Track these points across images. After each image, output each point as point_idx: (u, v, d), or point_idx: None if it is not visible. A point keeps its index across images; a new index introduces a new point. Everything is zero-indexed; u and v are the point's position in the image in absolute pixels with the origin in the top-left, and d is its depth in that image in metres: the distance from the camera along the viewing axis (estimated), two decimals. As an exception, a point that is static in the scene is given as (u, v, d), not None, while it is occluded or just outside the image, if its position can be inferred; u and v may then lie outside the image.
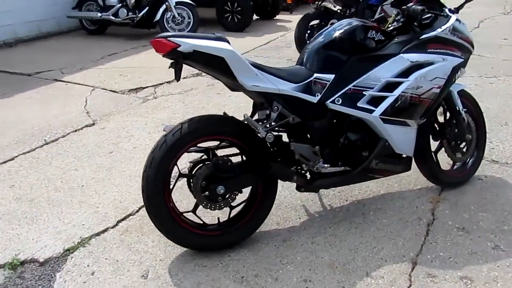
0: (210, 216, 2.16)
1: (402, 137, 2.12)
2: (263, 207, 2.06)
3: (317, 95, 1.97)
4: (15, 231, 2.21)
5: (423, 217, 2.26)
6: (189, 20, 6.37)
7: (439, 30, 2.10)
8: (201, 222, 2.03)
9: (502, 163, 2.77)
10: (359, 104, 2.00)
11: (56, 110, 3.86)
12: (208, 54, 1.75)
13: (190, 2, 6.38)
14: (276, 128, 1.96)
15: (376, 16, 2.38)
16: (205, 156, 1.98)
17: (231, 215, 2.07)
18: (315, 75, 1.98)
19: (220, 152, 2.01)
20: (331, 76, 1.98)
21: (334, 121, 2.06)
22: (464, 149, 2.47)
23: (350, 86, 1.99)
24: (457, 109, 2.33)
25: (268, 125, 1.91)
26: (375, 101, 2.01)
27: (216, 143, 1.99)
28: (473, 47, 2.26)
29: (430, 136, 2.37)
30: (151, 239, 2.11)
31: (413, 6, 2.06)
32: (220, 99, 4.00)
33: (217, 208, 1.94)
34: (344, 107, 1.99)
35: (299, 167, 2.03)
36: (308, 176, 2.07)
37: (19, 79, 4.80)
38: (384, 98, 2.02)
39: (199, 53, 1.74)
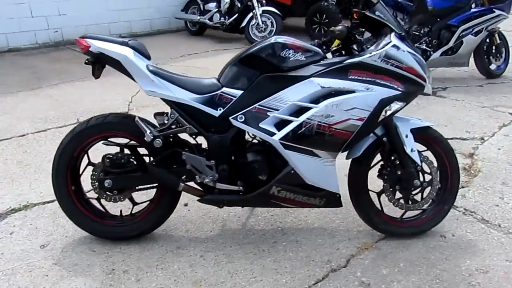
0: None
1: (311, 168, 1.94)
2: (158, 211, 2.11)
3: (220, 109, 1.94)
4: (-5, 187, 2.69)
5: (334, 261, 2.02)
6: (272, 29, 6.54)
7: (366, 55, 1.86)
8: (103, 211, 2.17)
9: (492, 225, 2.27)
10: (261, 125, 1.90)
11: (109, 96, 4.43)
12: (108, 56, 1.91)
13: (275, 11, 6.54)
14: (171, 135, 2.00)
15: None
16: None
17: (133, 211, 2.18)
18: (223, 89, 1.95)
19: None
20: (238, 92, 1.93)
21: (240, 138, 2.01)
22: (417, 197, 2.12)
23: (255, 105, 1.91)
24: (403, 148, 2.01)
25: (161, 131, 1.97)
26: (280, 124, 1.89)
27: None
28: (424, 80, 1.93)
29: (368, 175, 2.09)
30: (74, 217, 2.34)
31: (338, 27, 1.88)
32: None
33: (112, 200, 2.07)
34: (245, 125, 1.92)
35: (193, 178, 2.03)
36: (201, 188, 2.05)
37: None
38: (289, 122, 1.88)
39: (104, 54, 1.92)
